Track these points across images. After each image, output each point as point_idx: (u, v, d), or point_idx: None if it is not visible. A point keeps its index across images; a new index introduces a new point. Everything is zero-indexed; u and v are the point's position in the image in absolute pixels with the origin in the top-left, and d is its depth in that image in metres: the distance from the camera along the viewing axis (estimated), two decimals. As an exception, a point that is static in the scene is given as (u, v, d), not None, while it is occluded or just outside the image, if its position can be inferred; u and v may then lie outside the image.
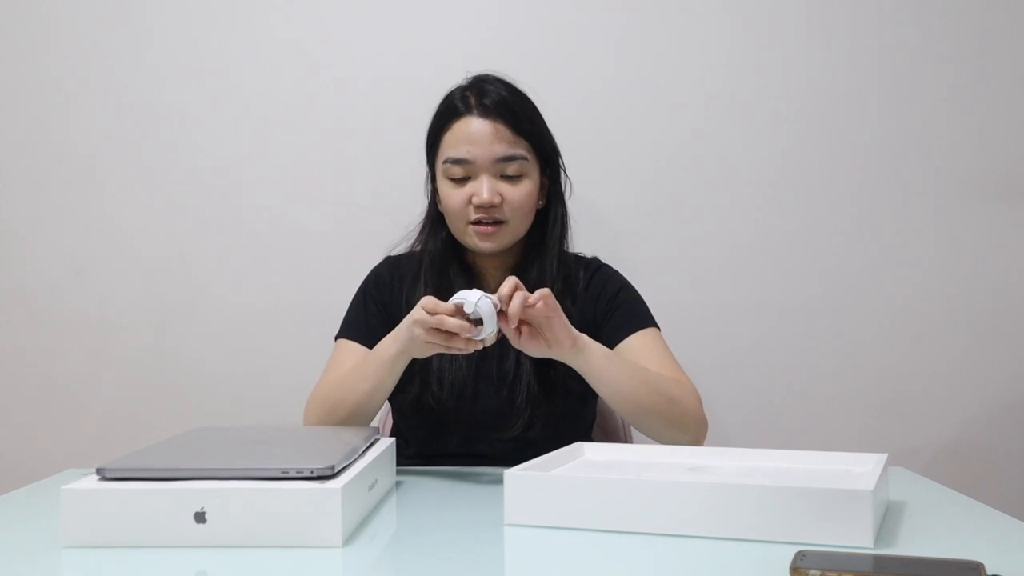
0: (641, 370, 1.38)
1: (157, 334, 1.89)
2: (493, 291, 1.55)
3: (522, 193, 1.46)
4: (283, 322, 1.89)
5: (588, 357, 1.32)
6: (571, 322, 1.31)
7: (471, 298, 1.24)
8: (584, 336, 1.33)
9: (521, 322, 1.26)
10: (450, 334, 1.24)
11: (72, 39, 1.89)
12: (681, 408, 1.38)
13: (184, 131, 1.89)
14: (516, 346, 1.29)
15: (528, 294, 1.25)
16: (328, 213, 1.89)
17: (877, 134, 1.90)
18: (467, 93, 1.47)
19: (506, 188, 1.45)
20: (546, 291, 1.26)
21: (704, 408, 1.42)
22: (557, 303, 1.27)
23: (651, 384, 1.37)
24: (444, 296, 1.29)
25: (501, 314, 1.25)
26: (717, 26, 1.89)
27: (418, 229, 1.56)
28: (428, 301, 1.26)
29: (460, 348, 1.25)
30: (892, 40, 1.89)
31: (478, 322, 1.23)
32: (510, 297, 1.24)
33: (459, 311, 1.23)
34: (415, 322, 1.25)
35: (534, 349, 1.29)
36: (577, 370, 1.33)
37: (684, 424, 1.38)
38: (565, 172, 1.55)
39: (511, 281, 1.26)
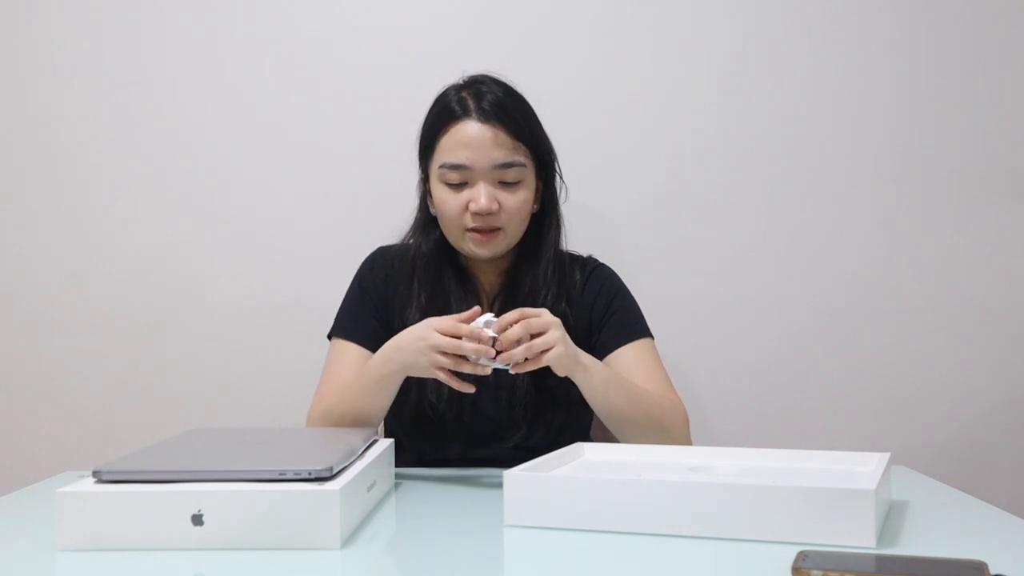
0: (635, 393, 1.39)
1: (153, 335, 1.88)
2: (487, 293, 1.55)
3: (519, 200, 1.44)
4: (280, 322, 1.88)
5: (588, 376, 1.33)
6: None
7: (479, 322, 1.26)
8: (583, 358, 1.32)
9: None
10: (460, 357, 1.24)
11: (69, 39, 1.88)
12: (668, 435, 1.39)
13: (178, 131, 1.88)
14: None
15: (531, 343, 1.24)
16: (323, 211, 1.88)
17: (878, 134, 1.89)
18: (464, 95, 1.44)
19: (503, 195, 1.43)
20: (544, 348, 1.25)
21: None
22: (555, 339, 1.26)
23: (643, 407, 1.38)
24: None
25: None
26: (719, 22, 1.88)
27: (410, 229, 1.55)
28: (444, 324, 1.25)
29: (467, 374, 1.25)
30: (897, 38, 1.88)
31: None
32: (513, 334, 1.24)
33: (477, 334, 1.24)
34: (428, 347, 1.25)
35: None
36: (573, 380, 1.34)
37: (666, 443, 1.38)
38: (561, 177, 1.54)
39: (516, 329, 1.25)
